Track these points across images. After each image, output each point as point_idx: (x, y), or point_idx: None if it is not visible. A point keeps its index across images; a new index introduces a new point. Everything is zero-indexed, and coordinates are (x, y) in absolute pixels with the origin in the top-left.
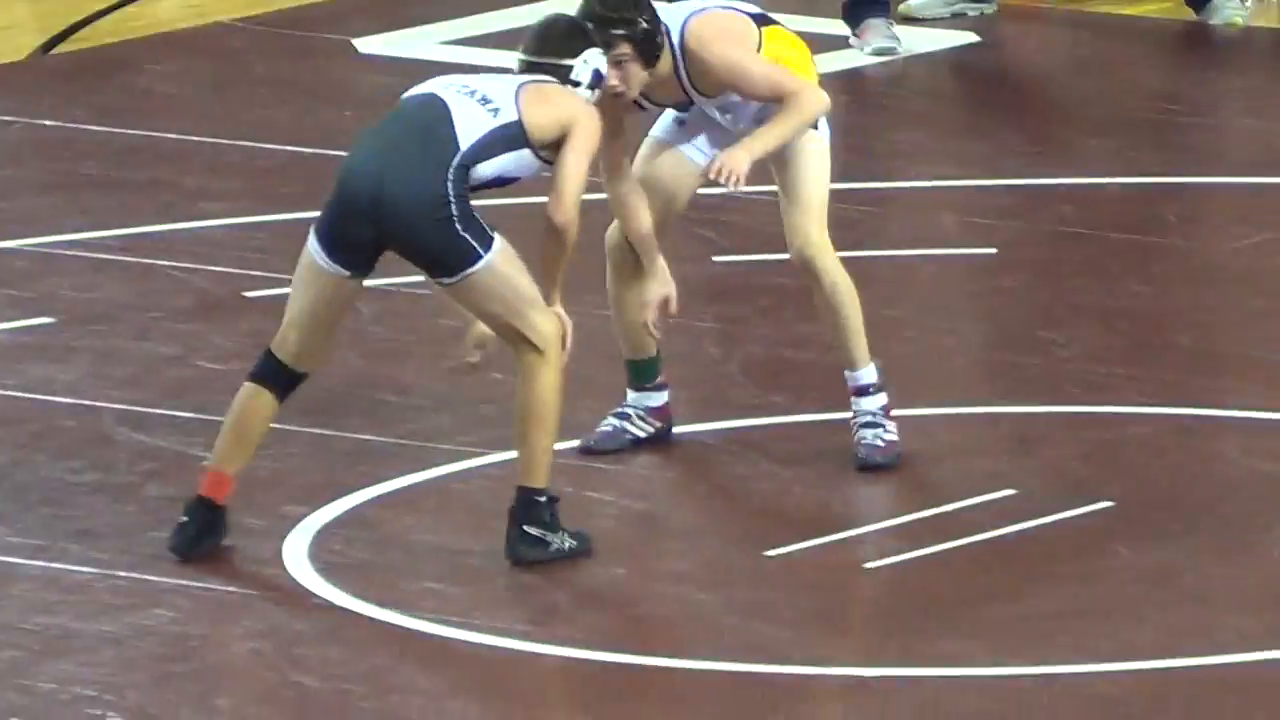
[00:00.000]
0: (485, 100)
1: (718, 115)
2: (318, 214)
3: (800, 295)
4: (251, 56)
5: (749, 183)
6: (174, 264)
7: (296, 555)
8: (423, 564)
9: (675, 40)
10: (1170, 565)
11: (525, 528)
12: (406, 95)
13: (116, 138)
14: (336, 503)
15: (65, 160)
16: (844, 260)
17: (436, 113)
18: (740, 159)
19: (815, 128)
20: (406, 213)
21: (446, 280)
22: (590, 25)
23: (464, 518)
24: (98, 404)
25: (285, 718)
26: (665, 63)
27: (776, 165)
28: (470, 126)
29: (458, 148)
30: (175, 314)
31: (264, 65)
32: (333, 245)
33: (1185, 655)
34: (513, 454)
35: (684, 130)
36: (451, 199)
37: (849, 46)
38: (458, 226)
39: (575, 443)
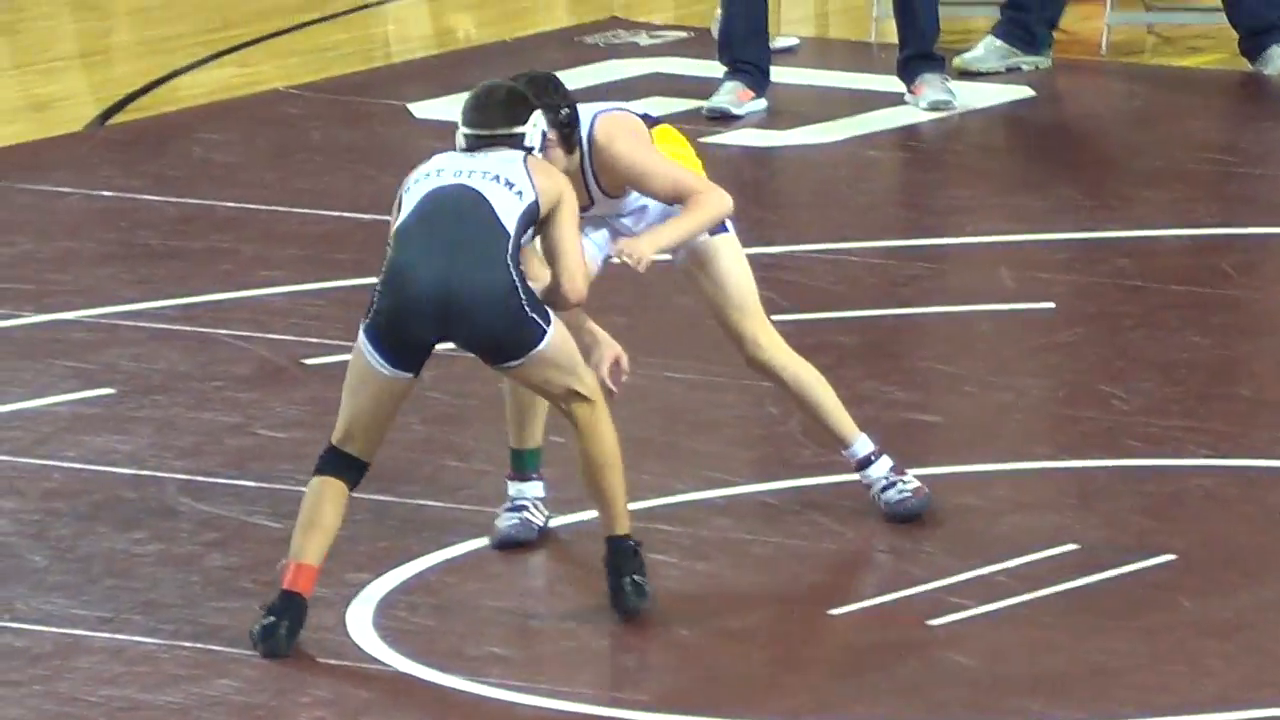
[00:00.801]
0: (509, 184)
1: (619, 221)
2: (369, 314)
3: (858, 352)
4: (307, 123)
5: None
6: (233, 332)
7: (361, 623)
8: (488, 629)
9: (584, 135)
10: (1234, 619)
11: (634, 577)
12: (432, 188)
13: (173, 207)
14: (400, 569)
15: (123, 230)
16: (902, 317)
17: (478, 204)
18: (644, 245)
19: (724, 228)
20: (482, 308)
21: (513, 364)
22: None
23: (528, 582)
24: (160, 474)
25: None
26: (574, 157)
27: (696, 271)
28: (508, 212)
29: (509, 234)
30: (235, 382)
31: (320, 132)
32: (392, 349)
33: (1250, 708)
34: (574, 517)
35: (584, 222)
36: (519, 285)
37: (904, 103)
38: (527, 310)
39: (642, 503)
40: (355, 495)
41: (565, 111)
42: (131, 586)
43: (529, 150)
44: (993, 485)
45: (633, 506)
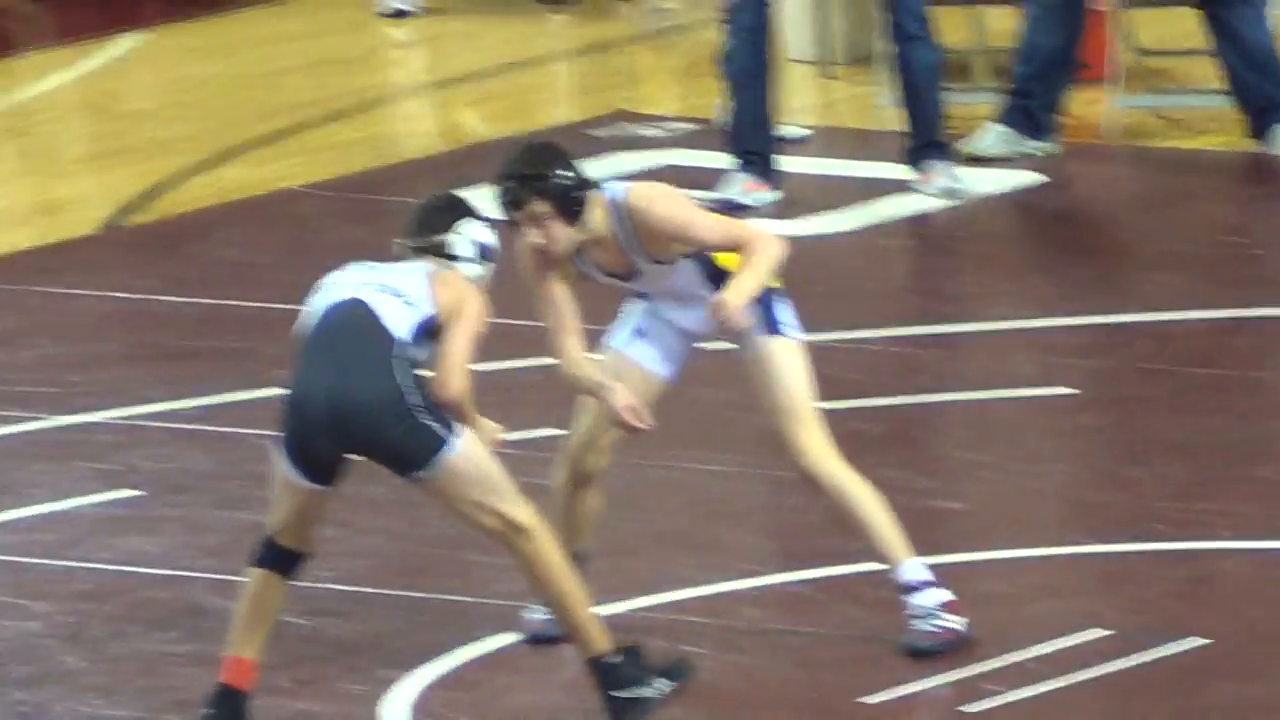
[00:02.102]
0: (398, 294)
1: (666, 308)
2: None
3: (879, 441)
4: (321, 221)
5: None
6: (256, 431)
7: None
8: None
9: (619, 203)
10: (1268, 700)
11: (614, 693)
12: (327, 305)
13: (191, 307)
14: (433, 664)
15: (143, 331)
16: (921, 405)
17: (363, 315)
18: (731, 300)
19: (780, 330)
20: (367, 414)
21: (421, 474)
22: (505, 183)
23: (560, 675)
24: (189, 574)
25: None
26: (602, 224)
27: (751, 368)
28: (398, 323)
29: (392, 339)
30: (259, 481)
31: (333, 230)
32: (303, 465)
33: None
34: (606, 609)
35: (644, 340)
36: (404, 389)
37: (912, 190)
38: (418, 416)
39: (673, 595)
40: (385, 592)
41: (563, 181)
42: (165, 686)
43: (455, 259)
44: (1020, 571)
45: (665, 598)
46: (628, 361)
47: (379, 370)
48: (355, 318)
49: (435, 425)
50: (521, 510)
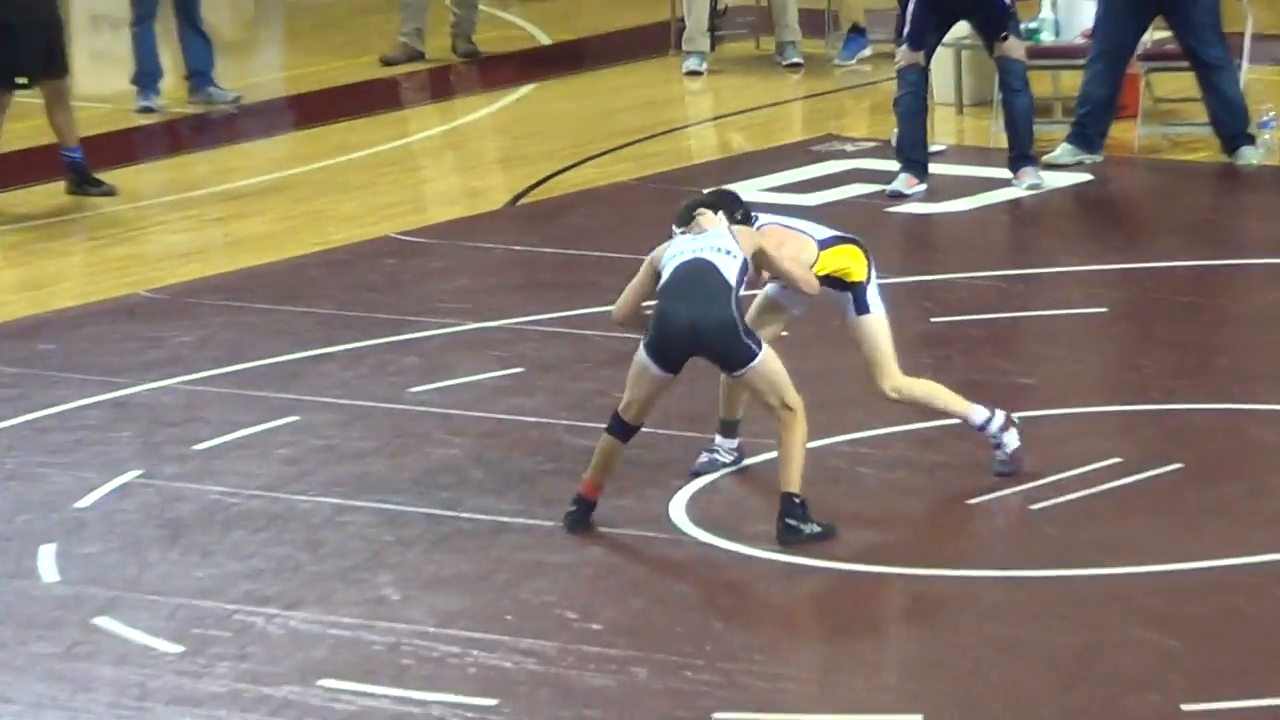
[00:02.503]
0: (725, 250)
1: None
2: (647, 338)
3: (983, 341)
4: (640, 202)
5: None
6: (596, 332)
7: (678, 511)
8: (753, 514)
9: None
10: (1225, 502)
11: (787, 520)
12: (679, 263)
13: (558, 256)
14: (699, 480)
15: (526, 270)
16: (1010, 319)
17: (710, 269)
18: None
19: (868, 309)
20: (717, 334)
21: (739, 373)
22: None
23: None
24: (554, 421)
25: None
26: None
27: (852, 335)
28: (729, 271)
29: (730, 286)
30: (597, 365)
31: (647, 208)
32: (661, 360)
33: (1237, 556)
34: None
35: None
36: (736, 318)
37: (1011, 185)
38: (743, 338)
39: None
40: (673, 433)
41: (740, 213)
42: (536, 491)
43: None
44: (1068, 422)
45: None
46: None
47: (723, 305)
48: (704, 269)
49: (751, 343)
50: (793, 398)
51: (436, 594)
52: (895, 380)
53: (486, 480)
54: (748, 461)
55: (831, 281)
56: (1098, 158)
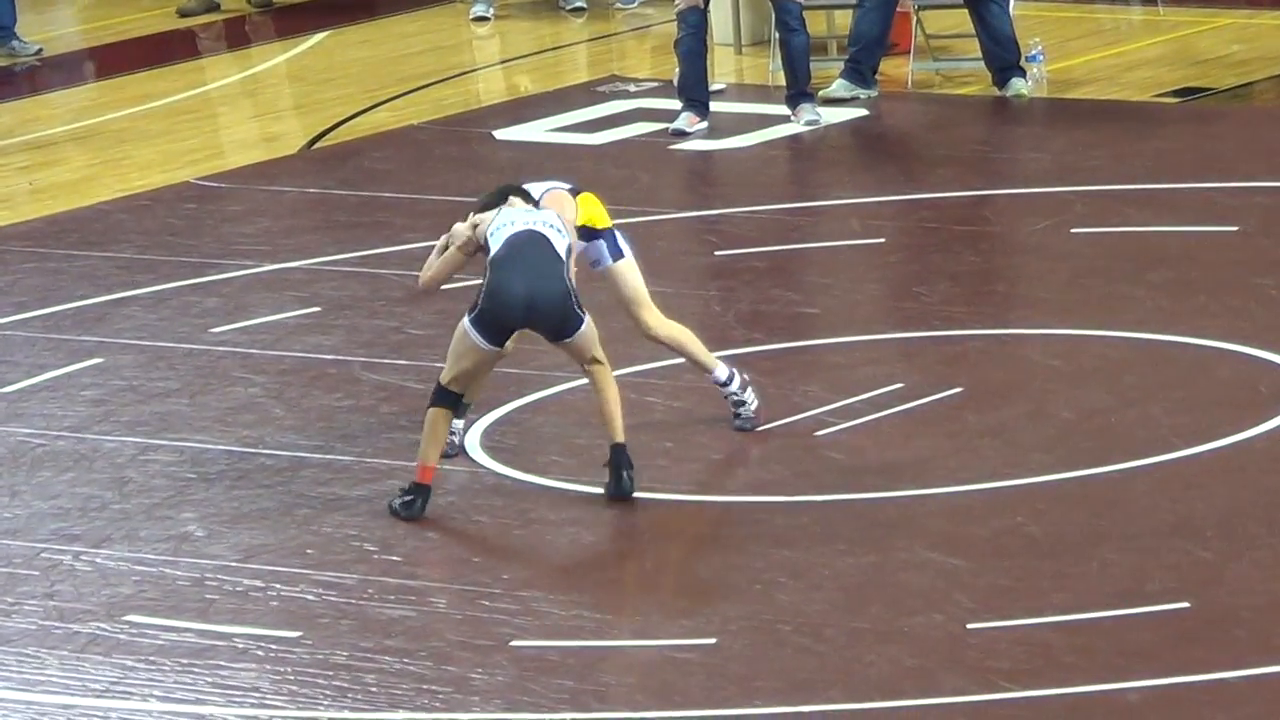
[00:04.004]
0: (557, 229)
1: None
2: (474, 311)
3: (767, 272)
4: (432, 144)
5: None
6: (391, 271)
7: (473, 444)
8: (550, 446)
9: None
10: (1002, 424)
11: (627, 471)
12: (510, 234)
13: (353, 198)
14: (496, 410)
15: (323, 212)
16: (793, 250)
17: (542, 241)
18: None
19: (622, 254)
20: (553, 307)
21: (566, 339)
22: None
23: (573, 420)
24: (350, 358)
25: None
26: None
27: (608, 281)
28: (559, 245)
29: (562, 259)
30: (393, 302)
31: (439, 149)
32: (490, 334)
33: (1005, 479)
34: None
35: None
36: (571, 290)
37: (790, 122)
38: (575, 307)
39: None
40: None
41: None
42: (335, 428)
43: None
44: (851, 350)
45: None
46: None
47: (558, 277)
48: (537, 240)
49: (581, 311)
50: (602, 354)
51: (239, 529)
52: (656, 319)
53: (286, 417)
54: (537, 395)
55: (585, 231)
56: (872, 93)
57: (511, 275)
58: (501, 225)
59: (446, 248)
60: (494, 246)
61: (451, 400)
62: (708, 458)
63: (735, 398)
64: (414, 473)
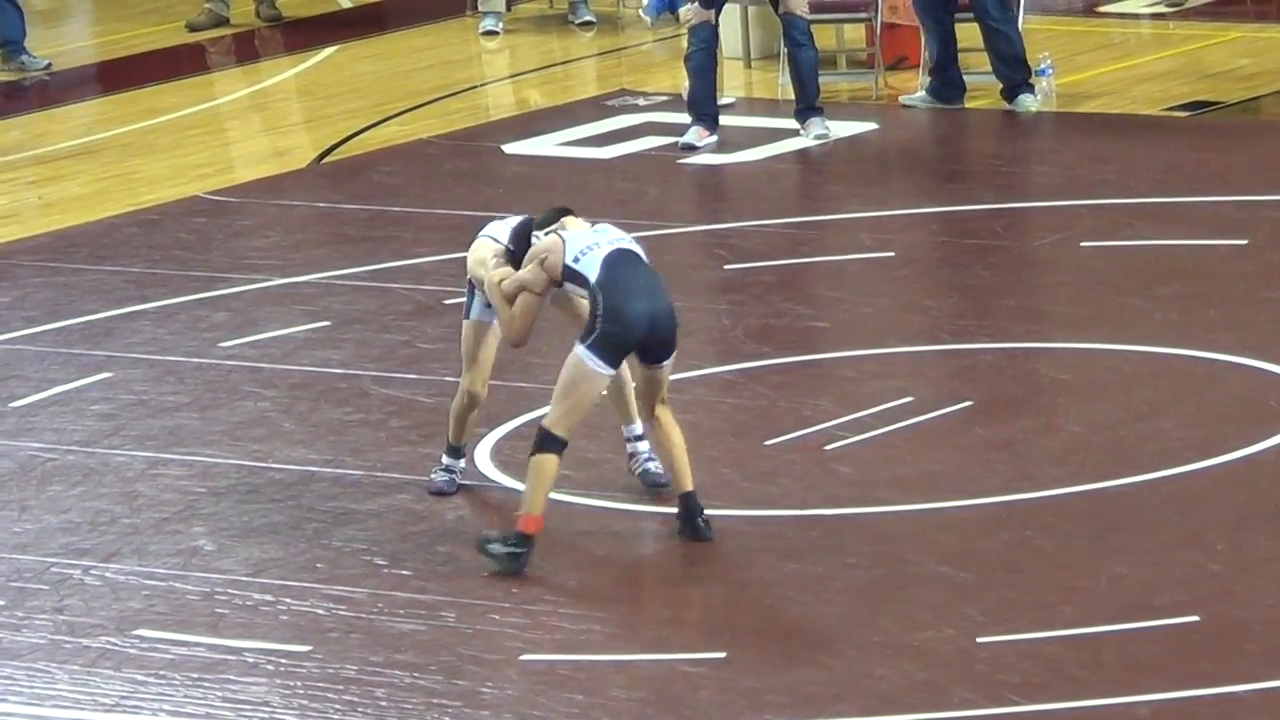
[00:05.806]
0: (637, 243)
1: None
2: (592, 337)
3: (775, 286)
4: (441, 159)
5: None
6: (400, 285)
7: (484, 459)
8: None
9: None
10: (1012, 438)
11: (703, 518)
12: (603, 256)
13: (363, 212)
14: (506, 425)
15: (332, 227)
16: (801, 263)
17: (639, 259)
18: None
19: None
20: (668, 321)
21: (664, 361)
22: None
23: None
24: (360, 373)
25: None
26: None
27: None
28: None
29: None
30: (403, 316)
31: (448, 164)
32: (612, 358)
33: (1015, 493)
34: None
35: None
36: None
37: (799, 135)
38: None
39: None
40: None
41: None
42: (345, 441)
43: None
44: (861, 364)
45: None
46: None
47: (666, 292)
48: (635, 259)
49: None
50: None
51: (249, 544)
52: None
53: (296, 432)
54: (547, 409)
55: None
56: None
57: (629, 293)
58: (585, 250)
59: (497, 281)
60: (588, 272)
61: (561, 446)
62: (718, 471)
63: (646, 455)
64: (515, 522)
